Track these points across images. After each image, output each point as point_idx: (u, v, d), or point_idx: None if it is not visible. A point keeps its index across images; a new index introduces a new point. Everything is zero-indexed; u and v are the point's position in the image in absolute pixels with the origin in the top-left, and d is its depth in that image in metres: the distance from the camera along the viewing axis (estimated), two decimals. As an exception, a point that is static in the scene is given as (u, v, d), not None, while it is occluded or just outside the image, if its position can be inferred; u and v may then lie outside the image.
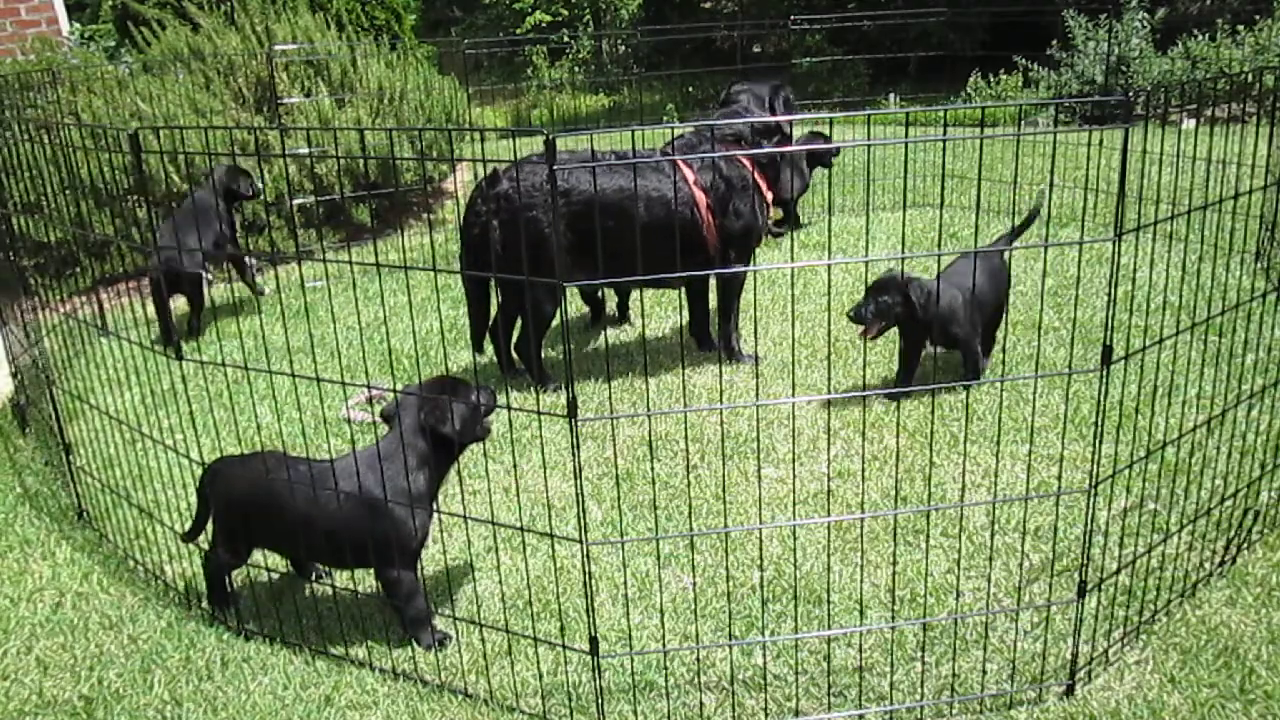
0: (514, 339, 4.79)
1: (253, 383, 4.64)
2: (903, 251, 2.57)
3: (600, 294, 5.39)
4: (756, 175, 4.47)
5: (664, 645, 2.84)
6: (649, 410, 4.36)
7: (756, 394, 3.61)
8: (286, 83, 7.07)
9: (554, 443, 4.03)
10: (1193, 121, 8.01)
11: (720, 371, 4.68)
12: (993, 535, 3.22)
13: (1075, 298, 5.12)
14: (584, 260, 4.38)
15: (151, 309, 5.25)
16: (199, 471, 3.07)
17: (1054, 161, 2.53)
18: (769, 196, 4.67)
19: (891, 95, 11.60)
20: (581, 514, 2.43)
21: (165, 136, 5.98)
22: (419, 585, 2.89)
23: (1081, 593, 2.55)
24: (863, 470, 3.68)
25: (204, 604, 3.14)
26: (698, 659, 2.79)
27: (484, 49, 15.57)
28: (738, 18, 15.36)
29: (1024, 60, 10.84)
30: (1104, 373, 2.39)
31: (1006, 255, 4.37)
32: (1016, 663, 2.68)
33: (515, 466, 3.84)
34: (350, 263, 2.77)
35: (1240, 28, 9.99)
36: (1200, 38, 10.15)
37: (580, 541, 2.40)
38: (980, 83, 11.41)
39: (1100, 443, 2.48)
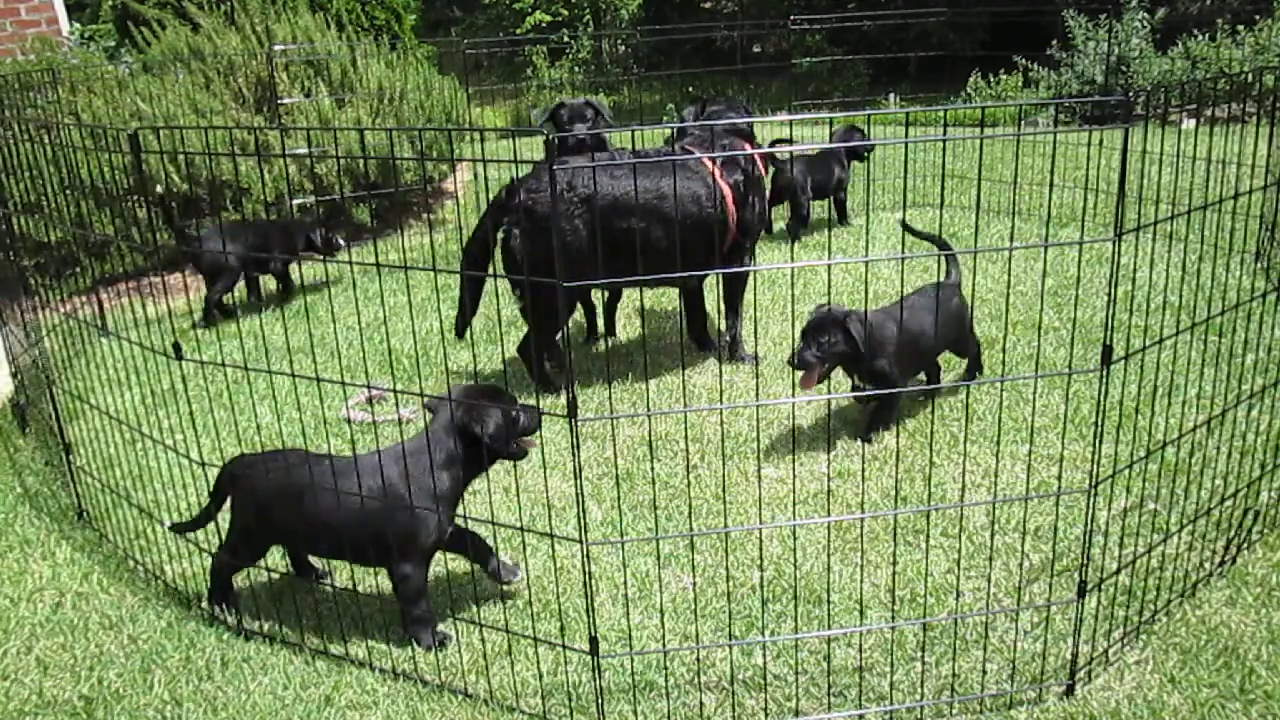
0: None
1: (253, 383, 4.64)
2: (903, 251, 2.57)
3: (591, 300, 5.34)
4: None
5: (664, 645, 2.84)
6: (649, 410, 4.36)
7: (756, 394, 3.60)
8: (286, 83, 7.07)
9: (554, 443, 4.02)
10: (1193, 121, 8.01)
11: (720, 371, 4.67)
12: (993, 535, 3.22)
13: (1075, 298, 5.11)
14: (617, 262, 4.38)
15: (151, 309, 5.27)
16: (213, 471, 3.06)
17: (1054, 161, 2.53)
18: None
19: (891, 95, 11.60)
20: (581, 514, 2.43)
21: (165, 136, 5.98)
22: (426, 586, 2.89)
23: (1081, 593, 2.55)
24: (863, 470, 3.68)
25: (204, 604, 3.14)
26: (698, 659, 2.79)
27: (484, 49, 15.57)
28: (738, 18, 15.36)
29: (1024, 60, 10.84)
30: (1104, 373, 2.39)
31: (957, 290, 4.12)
32: (1016, 663, 2.68)
33: (515, 466, 3.84)
34: (350, 263, 2.77)
35: (1240, 28, 9.99)
36: (1200, 38, 10.15)
37: (580, 541, 2.40)
38: (980, 83, 11.41)
39: (1100, 443, 2.48)
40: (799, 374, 3.82)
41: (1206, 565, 3.02)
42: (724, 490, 3.60)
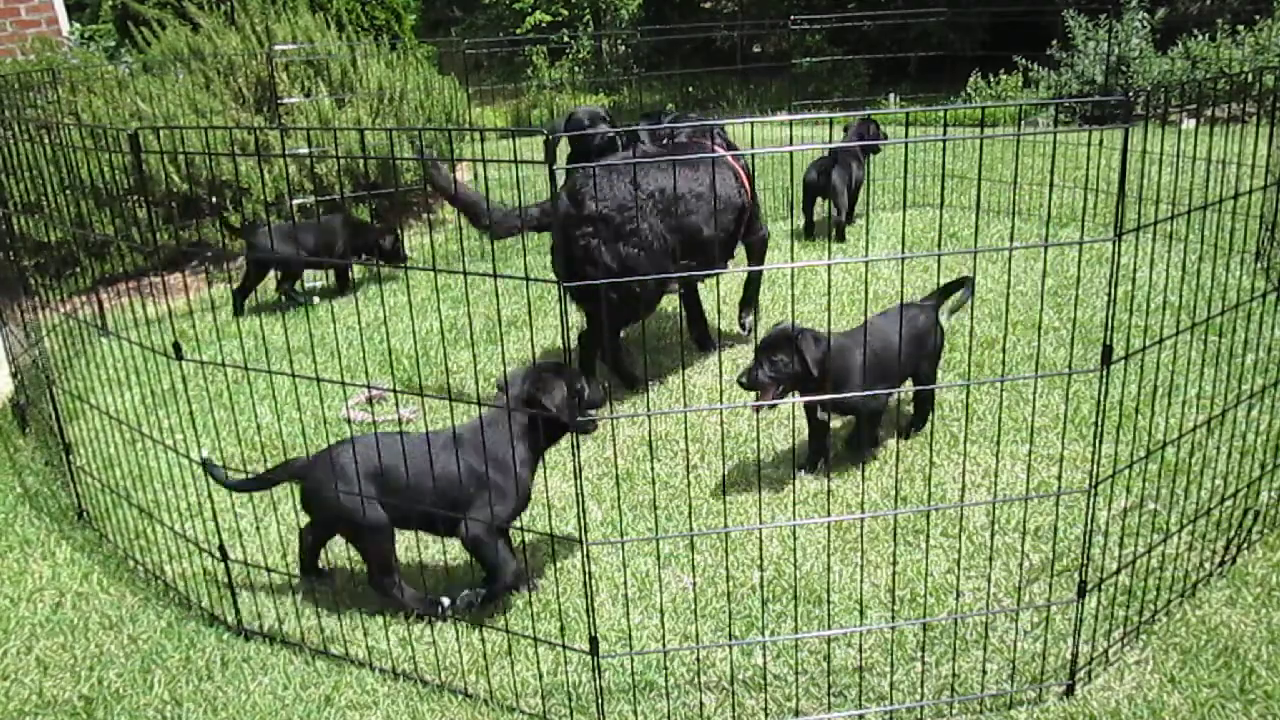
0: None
1: (253, 383, 4.64)
2: (903, 251, 2.57)
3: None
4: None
5: (664, 645, 2.84)
6: (649, 410, 4.36)
7: (756, 394, 3.60)
8: (286, 83, 7.07)
9: (554, 443, 4.02)
10: (1193, 121, 8.01)
11: (720, 371, 4.67)
12: (993, 535, 3.22)
13: (1075, 298, 5.11)
14: (671, 260, 4.38)
15: (151, 309, 5.27)
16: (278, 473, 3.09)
17: (1054, 161, 2.53)
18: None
19: (891, 95, 11.60)
20: (581, 514, 2.43)
21: (165, 136, 5.98)
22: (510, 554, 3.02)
23: (1081, 593, 2.55)
24: (863, 470, 3.68)
25: (204, 604, 3.14)
26: (698, 659, 2.79)
27: (484, 49, 15.57)
28: (738, 18, 15.37)
29: (1024, 60, 10.85)
30: (1104, 373, 2.39)
31: (934, 312, 3.90)
32: (1016, 663, 2.68)
33: (515, 466, 3.84)
34: (349, 262, 2.77)
35: (1240, 28, 9.99)
36: (1200, 38, 10.15)
37: (580, 541, 2.40)
38: (980, 83, 11.41)
39: (1100, 443, 2.48)
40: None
41: (1206, 565, 3.02)
42: (724, 490, 3.60)
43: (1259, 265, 5.34)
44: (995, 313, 5.05)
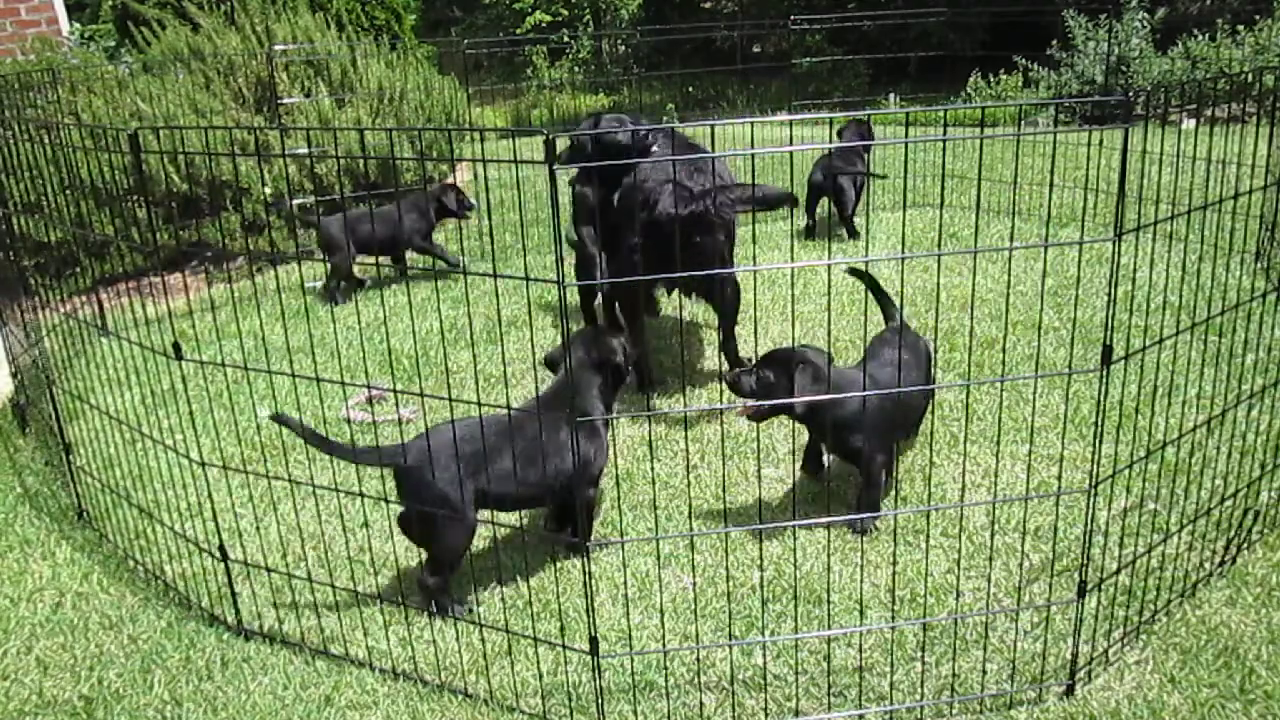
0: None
1: (253, 383, 4.64)
2: (903, 251, 2.57)
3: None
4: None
5: (664, 645, 2.84)
6: (649, 410, 4.36)
7: (756, 394, 3.60)
8: (286, 83, 7.07)
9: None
10: (1193, 121, 8.01)
11: (720, 372, 4.67)
12: (993, 535, 3.22)
13: (1075, 298, 5.11)
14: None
15: (151, 309, 5.27)
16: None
17: (1054, 161, 2.53)
18: None
19: (891, 95, 11.60)
20: (582, 514, 2.43)
21: (165, 136, 5.98)
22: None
23: (1081, 593, 2.55)
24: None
25: (204, 604, 3.14)
26: (698, 659, 2.79)
27: (484, 49, 15.57)
28: (738, 18, 15.37)
29: (1024, 60, 10.84)
30: (1104, 373, 2.39)
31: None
32: (1016, 663, 2.68)
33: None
34: (350, 263, 2.77)
35: (1240, 28, 9.99)
36: (1200, 38, 10.15)
37: (580, 542, 2.40)
38: (980, 83, 11.41)
39: (1100, 443, 2.48)
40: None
41: (1206, 565, 3.02)
42: (724, 490, 3.60)
43: (1259, 265, 5.34)
44: (995, 313, 5.05)
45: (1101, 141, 6.65)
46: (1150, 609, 2.82)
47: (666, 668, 2.75)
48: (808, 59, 12.71)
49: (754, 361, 3.42)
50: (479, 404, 2.56)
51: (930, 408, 3.78)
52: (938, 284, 2.87)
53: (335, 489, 3.03)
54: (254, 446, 4.13)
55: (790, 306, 5.24)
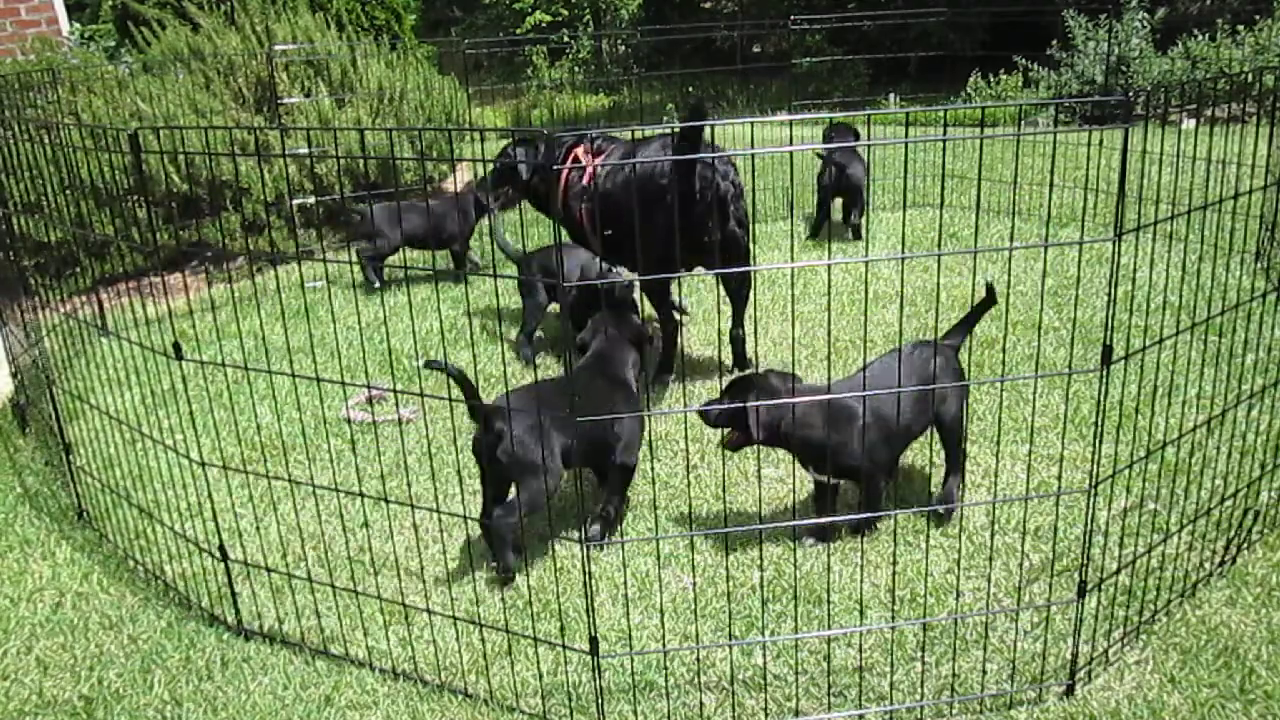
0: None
1: (253, 383, 4.64)
2: (903, 251, 2.57)
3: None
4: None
5: (664, 645, 2.84)
6: (649, 410, 4.36)
7: (756, 395, 3.60)
8: (286, 83, 7.07)
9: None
10: (1193, 121, 8.01)
11: (720, 371, 4.67)
12: (993, 535, 3.22)
13: (1075, 298, 5.11)
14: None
15: (151, 309, 5.28)
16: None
17: (1054, 161, 2.53)
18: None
19: (891, 95, 11.59)
20: (582, 514, 2.43)
21: (165, 136, 5.98)
22: None
23: (1081, 593, 2.55)
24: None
25: (204, 604, 3.14)
26: (698, 659, 2.79)
27: (484, 49, 15.56)
28: (738, 18, 15.36)
29: (1024, 60, 10.84)
30: (1104, 373, 2.39)
31: (952, 353, 3.41)
32: (1016, 663, 2.68)
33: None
34: (350, 263, 2.77)
35: (1240, 28, 9.99)
36: (1200, 38, 10.15)
37: (580, 541, 2.40)
38: (980, 83, 11.40)
39: (1100, 443, 2.48)
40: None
41: (1206, 565, 3.02)
42: (724, 490, 3.60)
43: (1259, 265, 5.34)
44: (995, 313, 5.03)
45: (1101, 141, 6.65)
46: (1150, 609, 2.82)
47: (666, 668, 2.75)
48: (808, 59, 12.71)
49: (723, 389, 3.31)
50: (479, 404, 2.55)
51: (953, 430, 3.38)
52: (938, 284, 2.87)
53: (335, 489, 3.03)
54: (254, 446, 4.13)
55: (790, 306, 5.23)
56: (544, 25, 17.57)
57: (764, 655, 2.78)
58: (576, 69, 16.35)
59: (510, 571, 3.12)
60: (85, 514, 3.78)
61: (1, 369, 4.96)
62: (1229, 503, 3.15)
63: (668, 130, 4.82)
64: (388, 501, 2.91)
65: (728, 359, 4.76)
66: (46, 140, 3.67)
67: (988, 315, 4.98)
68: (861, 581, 3.05)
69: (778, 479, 3.71)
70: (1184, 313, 4.49)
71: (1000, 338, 4.68)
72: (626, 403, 3.47)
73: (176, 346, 2.81)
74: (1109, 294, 2.33)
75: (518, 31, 17.07)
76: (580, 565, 3.14)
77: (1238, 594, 2.91)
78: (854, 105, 11.52)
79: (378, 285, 6.08)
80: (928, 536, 3.24)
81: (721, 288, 4.71)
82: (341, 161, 6.92)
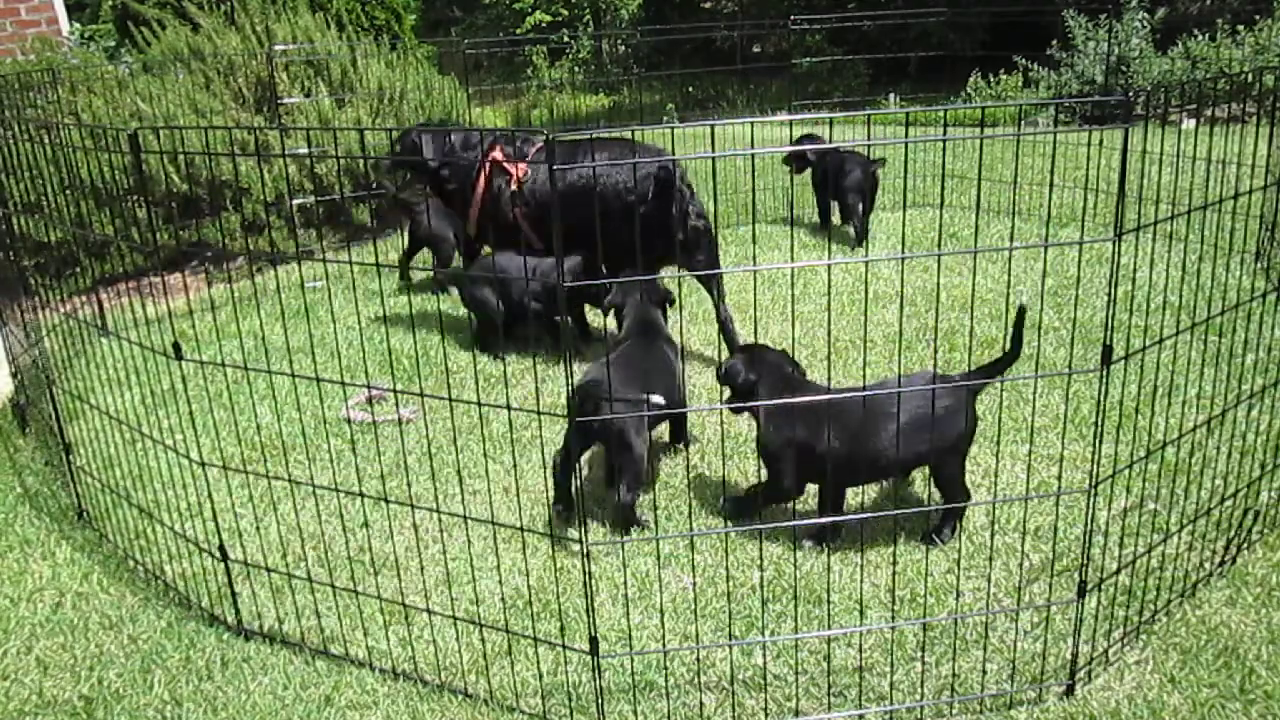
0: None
1: (253, 383, 4.64)
2: (903, 251, 2.57)
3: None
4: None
5: (664, 645, 2.84)
6: (649, 410, 4.36)
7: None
8: (286, 83, 7.07)
9: (554, 443, 4.02)
10: (1193, 121, 8.01)
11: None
12: (993, 535, 3.22)
13: (1075, 298, 5.11)
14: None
15: (151, 309, 5.29)
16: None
17: (1054, 161, 2.53)
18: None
19: (891, 95, 11.60)
20: (582, 514, 2.43)
21: (165, 136, 5.98)
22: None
23: (1081, 593, 2.55)
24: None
25: (204, 604, 3.14)
26: (698, 659, 2.79)
27: (484, 49, 15.56)
28: (738, 18, 15.36)
29: (1024, 60, 10.84)
30: (1104, 373, 2.39)
31: (969, 394, 3.13)
32: (1016, 663, 2.68)
33: (515, 466, 3.84)
34: (350, 263, 2.77)
35: (1240, 28, 9.99)
36: (1200, 38, 10.15)
37: (580, 541, 2.40)
38: (980, 83, 11.41)
39: (1100, 443, 2.48)
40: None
41: (1206, 565, 3.02)
42: (724, 490, 3.60)
43: (1259, 265, 5.34)
44: (995, 313, 5.05)
45: (1101, 141, 6.65)
46: (1150, 609, 2.82)
47: (666, 668, 2.75)
48: (808, 59, 12.71)
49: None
50: (479, 404, 2.56)
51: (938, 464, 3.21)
52: (938, 284, 2.87)
53: (335, 489, 3.03)
54: (254, 446, 4.13)
55: (790, 306, 5.24)
56: (544, 25, 17.57)
57: (764, 655, 2.78)
58: (576, 69, 16.35)
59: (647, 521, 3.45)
60: (85, 514, 3.78)
61: (1, 369, 4.96)
62: (1229, 503, 3.15)
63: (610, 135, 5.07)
64: (388, 501, 2.91)
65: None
66: (46, 140, 3.67)
67: (988, 315, 5.02)
68: (861, 581, 3.05)
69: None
70: (1184, 313, 4.50)
71: (1000, 337, 4.68)
72: (677, 359, 3.77)
73: (176, 346, 2.81)
74: (1109, 294, 2.33)
75: (518, 31, 17.08)
76: (580, 565, 3.14)
77: (1238, 594, 2.91)
78: (854, 105, 11.52)
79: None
80: (928, 536, 3.24)
81: (699, 282, 5.00)
82: (341, 161, 6.92)
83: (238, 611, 3.03)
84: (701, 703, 2.63)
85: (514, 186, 4.88)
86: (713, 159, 2.23)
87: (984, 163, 7.36)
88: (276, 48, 7.06)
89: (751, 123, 2.50)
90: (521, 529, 2.83)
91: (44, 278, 5.12)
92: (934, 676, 2.67)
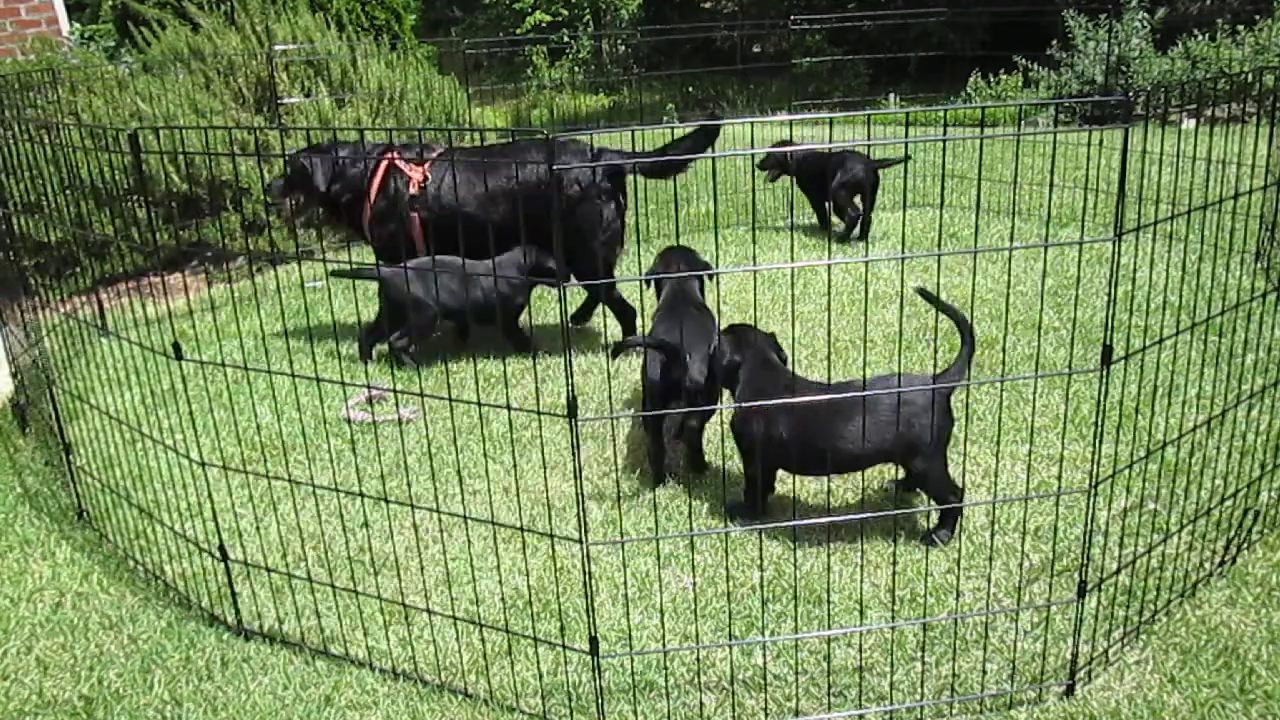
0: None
1: (253, 383, 4.64)
2: (903, 251, 2.57)
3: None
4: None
5: (664, 645, 2.84)
6: (649, 410, 4.36)
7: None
8: (286, 83, 7.07)
9: (554, 443, 4.03)
10: (1193, 121, 8.01)
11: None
12: (993, 535, 3.22)
13: (1075, 298, 5.11)
14: None
15: (151, 309, 5.28)
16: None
17: (1054, 161, 2.53)
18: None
19: (891, 95, 11.60)
20: (581, 514, 2.43)
21: (165, 136, 5.98)
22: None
23: (1081, 593, 2.55)
24: (862, 470, 3.68)
25: (204, 604, 3.14)
26: (698, 659, 2.79)
27: (484, 49, 15.57)
28: (738, 18, 15.37)
29: (1024, 60, 10.84)
30: (1104, 373, 2.39)
31: (943, 397, 3.14)
32: (1016, 663, 2.68)
33: (515, 466, 3.84)
34: (350, 263, 2.77)
35: (1240, 28, 9.99)
36: (1200, 38, 10.15)
37: (580, 541, 2.40)
38: (980, 83, 11.41)
39: (1100, 443, 2.48)
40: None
41: (1206, 565, 3.02)
42: (724, 490, 3.60)
43: (1259, 265, 5.34)
44: (995, 313, 5.05)
45: (1101, 141, 6.65)
46: (1150, 609, 2.82)
47: (666, 668, 2.75)
48: (808, 59, 12.72)
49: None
50: (479, 404, 2.56)
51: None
52: (938, 284, 2.87)
53: (335, 489, 3.03)
54: (254, 446, 4.13)
55: (790, 306, 5.24)
56: (544, 25, 17.58)
57: (764, 655, 2.78)
58: (576, 69, 16.35)
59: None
60: (85, 514, 3.78)
61: (1, 369, 4.96)
62: (1229, 503, 3.15)
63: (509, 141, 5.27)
64: (388, 501, 2.91)
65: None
66: (46, 140, 3.67)
67: (988, 315, 5.02)
68: (861, 581, 3.05)
69: (778, 479, 3.71)
70: (1184, 313, 4.50)
71: (1000, 338, 4.68)
72: (715, 328, 3.80)
73: (176, 346, 2.81)
74: (1109, 294, 2.33)
75: (518, 31, 17.08)
76: (580, 565, 3.14)
77: (1238, 594, 2.91)
78: (854, 105, 11.52)
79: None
80: (928, 537, 3.24)
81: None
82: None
83: (238, 611, 3.03)
84: (701, 703, 2.63)
85: (414, 189, 4.91)
86: (712, 159, 2.22)
87: (984, 163, 7.36)
88: (276, 48, 7.06)
89: (751, 123, 2.50)
90: (521, 529, 2.83)
91: (44, 278, 5.13)
92: (934, 676, 2.67)
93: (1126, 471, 3.29)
